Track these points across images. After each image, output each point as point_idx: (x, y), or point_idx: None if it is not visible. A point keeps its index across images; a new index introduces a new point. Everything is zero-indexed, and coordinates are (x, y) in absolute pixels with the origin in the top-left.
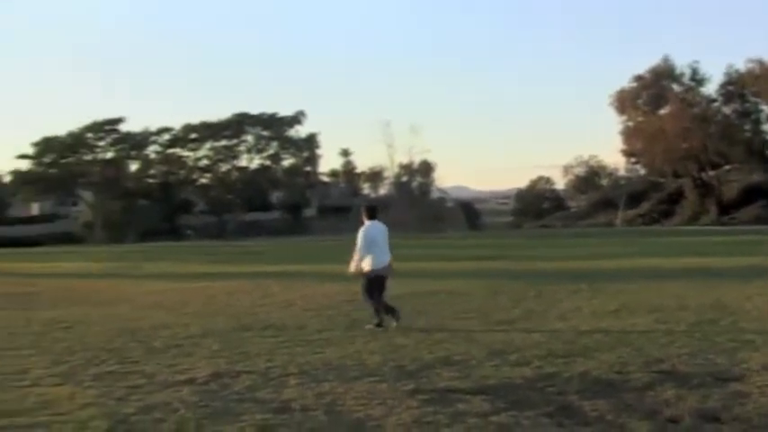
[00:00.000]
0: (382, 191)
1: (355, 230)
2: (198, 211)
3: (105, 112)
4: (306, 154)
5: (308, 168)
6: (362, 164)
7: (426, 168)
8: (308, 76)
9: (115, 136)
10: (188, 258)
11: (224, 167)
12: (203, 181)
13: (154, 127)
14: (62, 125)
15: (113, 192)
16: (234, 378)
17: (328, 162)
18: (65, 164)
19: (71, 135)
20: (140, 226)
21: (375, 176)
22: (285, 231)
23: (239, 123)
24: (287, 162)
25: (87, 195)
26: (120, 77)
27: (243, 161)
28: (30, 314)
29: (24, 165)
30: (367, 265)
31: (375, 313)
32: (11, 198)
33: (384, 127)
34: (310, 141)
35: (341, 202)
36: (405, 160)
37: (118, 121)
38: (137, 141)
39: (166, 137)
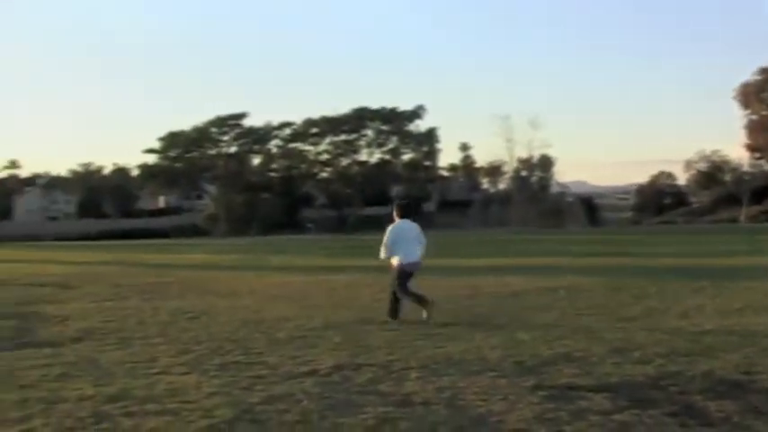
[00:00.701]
0: (501, 185)
1: (475, 226)
2: (318, 204)
3: (228, 108)
4: (425, 148)
5: (428, 163)
6: (482, 158)
7: (546, 163)
8: (428, 71)
9: (238, 130)
10: (309, 251)
11: (344, 162)
12: (324, 175)
13: (275, 122)
14: (187, 120)
15: (236, 185)
16: (355, 370)
17: (448, 156)
18: (190, 158)
19: (196, 130)
20: (262, 219)
21: (494, 171)
22: None
23: (359, 118)
24: (406, 156)
25: (211, 189)
26: (242, 73)
27: (363, 155)
28: (158, 304)
29: (151, 159)
30: (396, 260)
31: (419, 303)
32: (139, 191)
33: (503, 121)
34: (430, 136)
35: (460, 197)
36: (524, 155)
37: (241, 116)
38: (259, 136)
39: (288, 131)
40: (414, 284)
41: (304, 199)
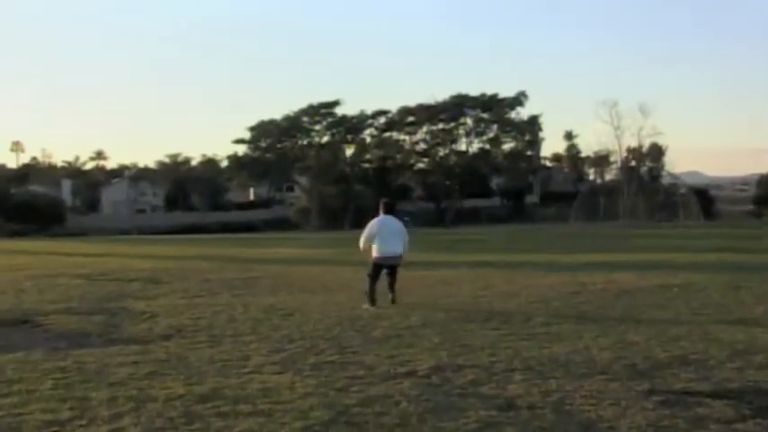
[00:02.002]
0: (609, 176)
1: (580, 219)
2: (415, 197)
3: (321, 95)
4: (528, 137)
5: (530, 152)
6: (587, 147)
7: (657, 152)
8: (530, 55)
9: (331, 119)
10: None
11: (442, 151)
12: (420, 166)
13: (370, 110)
14: (278, 109)
15: (329, 177)
16: (456, 372)
17: (551, 146)
18: (280, 148)
19: (287, 119)
20: (356, 212)
21: (601, 161)
22: (506, 219)
23: (458, 105)
24: (507, 146)
25: (303, 180)
26: (336, 60)
27: (461, 145)
28: (248, 300)
29: (241, 149)
30: (374, 252)
31: (368, 297)
32: (228, 183)
33: (610, 107)
34: (532, 124)
35: (565, 189)
36: (633, 143)
37: (334, 104)
38: (352, 125)
39: (382, 120)
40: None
41: (400, 191)
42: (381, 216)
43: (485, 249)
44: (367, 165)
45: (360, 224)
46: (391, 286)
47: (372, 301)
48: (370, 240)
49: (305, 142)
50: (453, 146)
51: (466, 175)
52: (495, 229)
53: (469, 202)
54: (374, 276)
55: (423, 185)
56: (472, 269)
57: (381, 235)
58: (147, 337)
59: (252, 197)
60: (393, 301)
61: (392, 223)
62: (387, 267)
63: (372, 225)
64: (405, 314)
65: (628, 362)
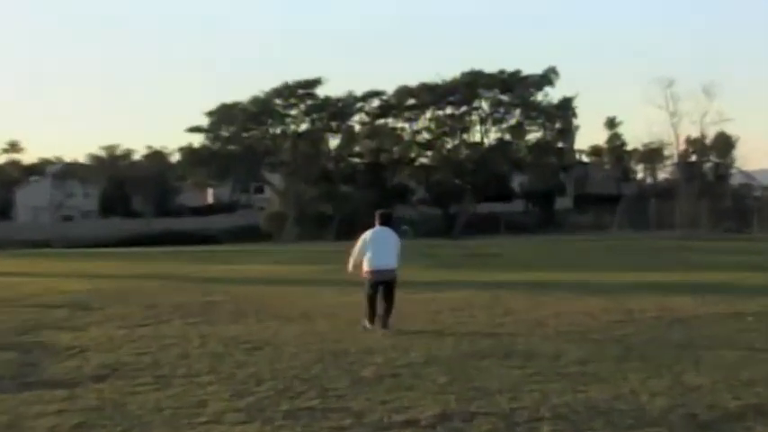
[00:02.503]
0: (662, 175)
1: (626, 228)
2: (416, 200)
3: (298, 72)
4: (558, 125)
5: (562, 144)
6: (635, 139)
7: (724, 144)
8: (560, 20)
9: (311, 102)
10: (407, 262)
11: (450, 143)
12: (423, 161)
13: (360, 90)
14: (244, 89)
15: (309, 174)
16: (467, 422)
17: (588, 136)
18: (247, 138)
19: (255, 101)
20: (343, 219)
21: (652, 155)
22: (531, 228)
23: (470, 85)
24: (533, 136)
25: (276, 179)
26: (317, 26)
27: (475, 135)
28: (207, 330)
29: (196, 140)
30: (365, 266)
31: (367, 315)
32: (180, 182)
33: (665, 88)
34: (564, 108)
35: (605, 190)
36: (694, 133)
37: (314, 83)
38: (338, 109)
39: (376, 103)
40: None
41: (397, 192)
42: (376, 227)
43: (504, 266)
44: (356, 159)
45: (347, 234)
46: (386, 312)
47: (372, 318)
48: (360, 255)
49: (278, 131)
50: (464, 136)
51: (480, 173)
52: (517, 241)
53: (485, 207)
54: (372, 295)
55: (426, 186)
56: (488, 291)
57: (373, 246)
58: (75, 378)
59: (211, 200)
60: (384, 326)
61: (386, 234)
62: (381, 284)
63: (364, 237)
64: (403, 347)
65: (687, 411)
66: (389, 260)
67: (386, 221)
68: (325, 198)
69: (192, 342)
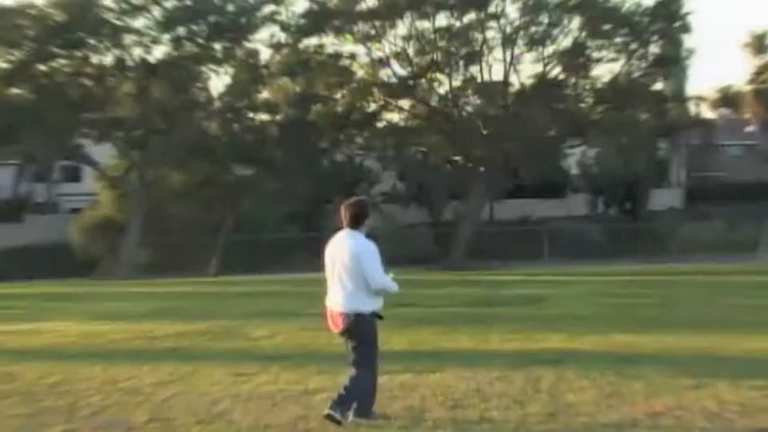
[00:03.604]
0: None
1: None
2: (380, 194)
3: None
4: (655, 47)
5: (662, 85)
6: None
7: None
8: None
9: (174, 4)
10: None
11: (445, 83)
12: (393, 118)
13: None
14: None
15: (171, 146)
16: None
17: (713, 74)
18: (46, 74)
19: (63, 3)
20: (239, 232)
21: None
22: (603, 246)
23: None
24: (605, 69)
25: (104, 154)
26: None
27: (493, 68)
28: None
29: None
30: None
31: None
32: None
33: None
34: (667, 17)
35: (750, 175)
36: None
37: None
38: (227, 18)
39: (300, 7)
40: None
41: (345, 180)
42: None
43: (551, 321)
44: (264, 117)
45: (245, 261)
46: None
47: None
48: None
49: (109, 60)
50: (472, 70)
51: (503, 143)
52: (575, 273)
53: (512, 208)
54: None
55: (400, 167)
56: (521, 369)
57: (327, 272)
58: None
59: None
60: (327, 416)
61: (341, 247)
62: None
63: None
64: None
65: None
66: (336, 295)
67: (357, 219)
68: (204, 191)
69: None
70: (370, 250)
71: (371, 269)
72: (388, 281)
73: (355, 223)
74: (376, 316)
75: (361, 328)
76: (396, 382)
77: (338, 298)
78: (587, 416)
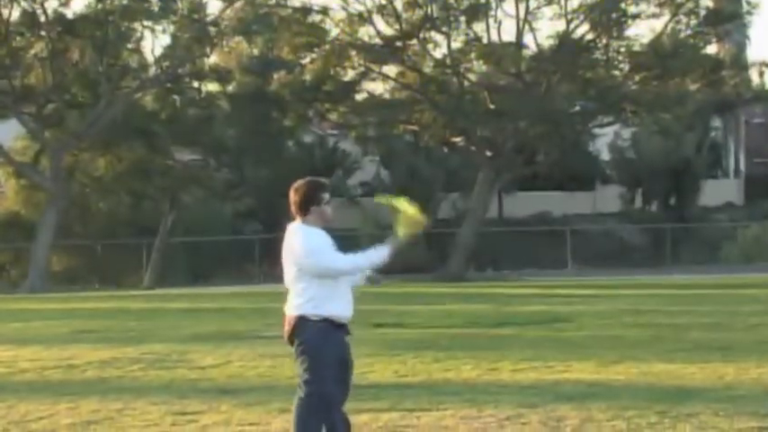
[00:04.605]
0: None
1: None
2: (359, 184)
3: None
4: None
5: (717, 50)
6: None
7: None
8: None
9: None
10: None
11: (440, 43)
12: (375, 89)
13: None
14: None
15: (92, 126)
16: None
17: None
18: None
19: None
20: (179, 227)
21: None
22: (639, 253)
23: None
24: (644, 27)
25: (8, 135)
26: None
27: (503, 25)
28: None
29: None
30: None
31: None
32: None
33: None
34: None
35: None
36: None
37: None
38: None
39: None
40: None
41: (314, 167)
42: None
43: (577, 346)
44: (212, 87)
45: (197, 268)
46: None
47: None
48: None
49: (14, 15)
50: (476, 29)
51: (515, 116)
52: (605, 286)
53: (528, 202)
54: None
55: (384, 149)
56: (539, 407)
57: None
58: None
59: None
60: None
61: (290, 244)
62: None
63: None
64: None
65: None
66: (289, 298)
67: (300, 207)
68: (136, 182)
69: None
70: (318, 244)
71: (329, 262)
72: (358, 257)
73: (302, 211)
74: (332, 324)
75: (303, 338)
76: (378, 424)
77: (289, 300)
78: None
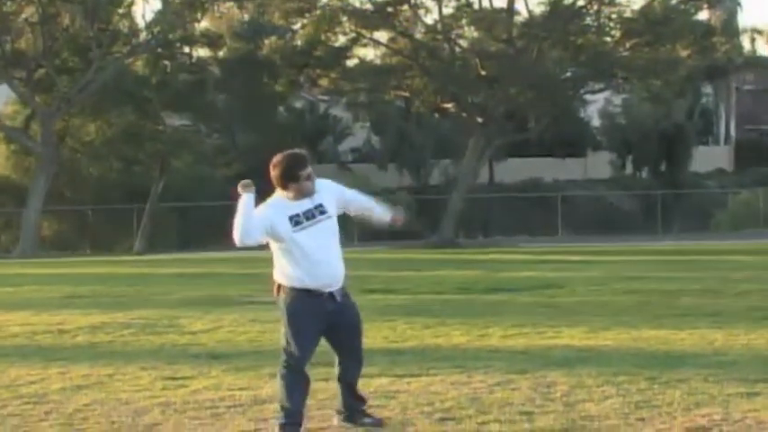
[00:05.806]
0: None
1: None
2: (350, 150)
3: None
4: None
5: (708, 16)
6: None
7: None
8: None
9: None
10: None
11: (431, 4)
12: (367, 54)
13: None
14: None
15: (84, 92)
16: None
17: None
18: None
19: None
20: (170, 195)
21: None
22: (630, 219)
23: None
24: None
25: None
26: None
27: None
28: None
29: None
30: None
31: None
32: None
33: None
34: None
35: None
36: None
37: None
38: None
39: None
40: None
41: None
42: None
43: (568, 312)
44: (203, 53)
45: (187, 234)
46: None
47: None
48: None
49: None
50: None
51: (506, 81)
52: (598, 253)
53: (519, 169)
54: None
55: (375, 116)
56: (528, 373)
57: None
58: None
59: None
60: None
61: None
62: None
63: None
64: None
65: None
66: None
67: (283, 183)
68: (127, 148)
69: None
70: (256, 209)
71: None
72: (236, 214)
73: (279, 187)
74: (306, 292)
75: (279, 305)
76: (369, 389)
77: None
78: None
